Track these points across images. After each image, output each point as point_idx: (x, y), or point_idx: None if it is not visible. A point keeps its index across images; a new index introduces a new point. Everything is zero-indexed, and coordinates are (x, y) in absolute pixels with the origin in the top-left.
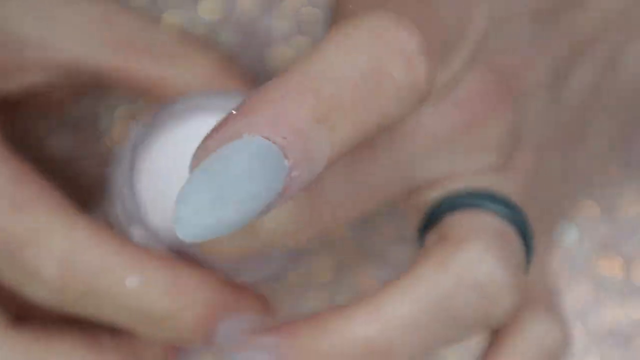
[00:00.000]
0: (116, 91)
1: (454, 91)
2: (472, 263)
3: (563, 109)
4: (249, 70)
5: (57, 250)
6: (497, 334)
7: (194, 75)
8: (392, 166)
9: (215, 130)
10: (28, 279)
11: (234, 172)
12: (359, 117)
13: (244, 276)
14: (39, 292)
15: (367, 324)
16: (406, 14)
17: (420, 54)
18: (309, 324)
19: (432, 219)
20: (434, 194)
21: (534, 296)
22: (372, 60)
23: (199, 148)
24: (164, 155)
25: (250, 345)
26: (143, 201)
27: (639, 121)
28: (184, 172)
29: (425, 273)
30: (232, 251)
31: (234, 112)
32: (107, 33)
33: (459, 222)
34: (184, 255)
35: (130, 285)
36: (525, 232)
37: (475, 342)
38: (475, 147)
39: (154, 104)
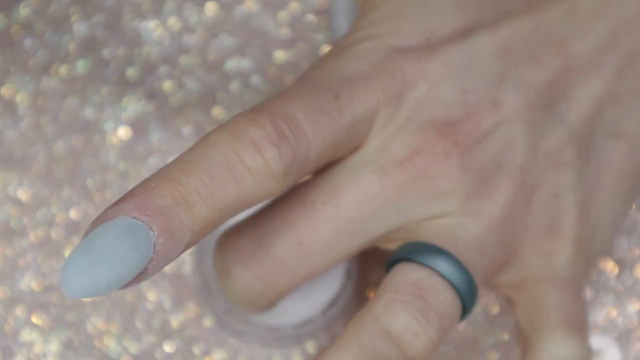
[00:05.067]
0: (123, 96)
1: (393, 154)
2: (378, 316)
3: (564, 127)
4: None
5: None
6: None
7: None
8: (336, 229)
9: (98, 216)
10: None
11: (106, 242)
12: (216, 198)
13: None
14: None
15: None
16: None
17: (268, 142)
18: None
19: (389, 268)
20: (394, 244)
21: (563, 315)
22: (228, 152)
23: (85, 232)
24: None
25: None
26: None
27: None
28: None
29: (348, 330)
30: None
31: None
32: None
33: (389, 276)
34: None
35: None
36: (466, 287)
37: None
38: (429, 198)
39: None
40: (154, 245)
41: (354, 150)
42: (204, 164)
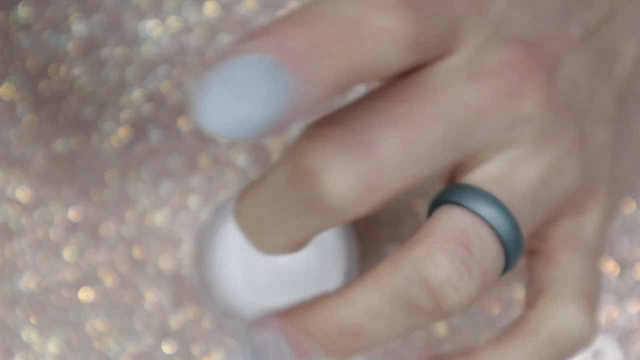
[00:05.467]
0: (122, 96)
1: (486, 64)
2: (418, 260)
3: (612, 83)
4: None
5: None
6: (522, 315)
7: None
8: (436, 130)
9: (228, 51)
10: None
11: (245, 76)
12: (348, 54)
13: None
14: None
15: (342, 309)
16: None
17: (398, 5)
18: (302, 308)
19: (432, 209)
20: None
21: (582, 289)
22: (356, 9)
23: (215, 61)
24: (228, 245)
25: (257, 326)
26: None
27: None
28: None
29: (383, 269)
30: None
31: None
32: None
33: (433, 219)
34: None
35: None
36: (513, 243)
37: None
38: (513, 120)
39: None
40: (290, 91)
41: (441, 57)
42: (335, 18)
